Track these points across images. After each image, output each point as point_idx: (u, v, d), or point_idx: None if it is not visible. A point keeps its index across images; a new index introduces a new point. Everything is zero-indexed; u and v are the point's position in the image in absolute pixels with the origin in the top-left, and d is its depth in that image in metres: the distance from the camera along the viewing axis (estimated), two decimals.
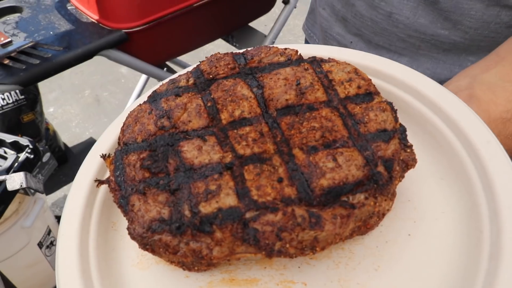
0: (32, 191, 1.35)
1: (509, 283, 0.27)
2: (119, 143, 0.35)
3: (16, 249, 1.35)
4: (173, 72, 1.52)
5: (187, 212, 0.29)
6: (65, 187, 1.93)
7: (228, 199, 0.29)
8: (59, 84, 2.49)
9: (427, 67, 0.70)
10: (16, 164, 1.23)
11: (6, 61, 1.08)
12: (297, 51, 0.39)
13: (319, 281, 0.32)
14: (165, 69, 1.47)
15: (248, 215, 0.28)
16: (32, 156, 1.26)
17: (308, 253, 0.29)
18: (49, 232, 1.48)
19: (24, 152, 1.26)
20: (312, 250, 0.29)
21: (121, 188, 0.31)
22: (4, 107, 1.69)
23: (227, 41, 1.65)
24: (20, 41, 1.15)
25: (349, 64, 0.36)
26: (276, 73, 0.36)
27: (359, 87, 0.34)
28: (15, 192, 1.25)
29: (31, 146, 1.26)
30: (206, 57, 0.39)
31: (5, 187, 1.17)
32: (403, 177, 0.32)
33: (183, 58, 1.69)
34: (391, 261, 0.32)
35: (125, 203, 0.31)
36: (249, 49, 0.39)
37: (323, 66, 0.37)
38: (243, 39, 1.61)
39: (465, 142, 0.35)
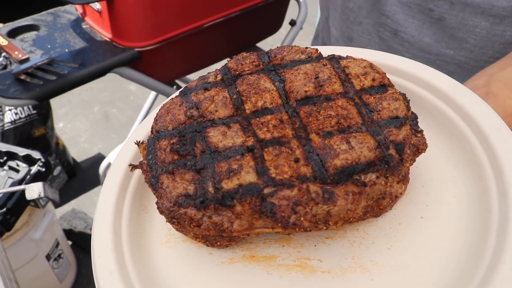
0: (43, 203, 1.38)
1: None
2: (152, 132, 0.38)
3: (25, 260, 1.37)
4: None
5: (210, 189, 0.32)
6: (73, 201, 1.95)
7: (248, 177, 0.32)
8: (69, 100, 2.54)
9: None
10: (28, 176, 1.27)
11: (23, 77, 1.12)
12: (317, 50, 0.42)
13: (334, 258, 0.34)
14: (174, 87, 1.51)
15: (266, 190, 0.31)
16: (43, 169, 1.29)
17: (322, 227, 0.31)
18: (57, 244, 1.50)
19: (36, 165, 1.29)
20: (325, 224, 0.31)
21: (152, 169, 0.35)
22: (16, 122, 1.73)
23: None
24: (36, 57, 1.19)
25: (365, 60, 0.39)
26: (296, 68, 0.39)
27: (373, 79, 0.37)
28: (26, 203, 1.28)
29: (43, 160, 1.30)
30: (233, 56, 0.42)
31: (18, 198, 1.21)
32: (414, 160, 0.35)
33: (192, 76, 1.74)
34: (403, 241, 0.34)
35: (155, 182, 0.34)
36: (272, 49, 0.43)
37: (340, 62, 0.40)
38: None
39: (476, 130, 0.37)
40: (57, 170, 1.43)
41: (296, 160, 0.32)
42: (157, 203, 0.34)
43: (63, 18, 1.44)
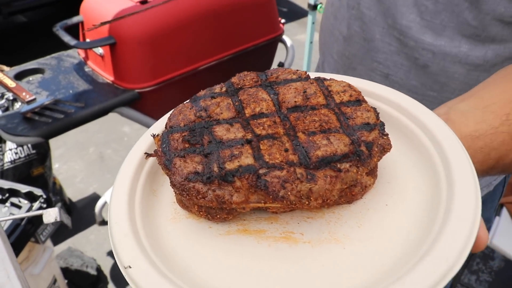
0: (43, 239, 1.42)
1: (458, 218, 0.37)
2: (165, 127, 0.46)
3: None
4: None
5: (215, 168, 0.40)
6: (69, 240, 1.98)
7: (247, 160, 0.40)
8: (64, 142, 2.60)
9: None
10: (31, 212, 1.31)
11: (29, 115, 1.19)
12: (305, 72, 0.51)
13: (313, 232, 0.42)
14: None
15: (261, 171, 0.39)
16: (45, 205, 1.34)
17: (305, 202, 0.38)
18: (54, 281, 1.52)
19: (38, 202, 1.34)
20: (307, 199, 0.38)
21: (166, 155, 0.42)
22: (16, 161, 1.78)
23: None
24: (43, 98, 1.27)
25: (345, 81, 0.48)
26: (289, 85, 0.48)
27: (350, 95, 0.46)
28: (27, 238, 1.32)
29: (44, 196, 1.35)
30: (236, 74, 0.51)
31: (20, 233, 1.25)
32: (381, 157, 0.42)
33: None
34: (371, 221, 0.42)
35: (169, 163, 0.41)
36: (269, 70, 0.52)
37: (324, 82, 0.49)
38: None
39: (432, 138, 0.46)
40: (57, 206, 1.47)
41: (286, 150, 0.40)
42: (170, 179, 0.41)
43: (66, 61, 1.53)
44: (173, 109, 0.49)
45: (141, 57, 1.36)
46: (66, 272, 1.76)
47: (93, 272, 1.78)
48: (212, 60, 1.47)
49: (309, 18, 2.11)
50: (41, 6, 3.53)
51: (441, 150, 0.43)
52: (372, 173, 0.43)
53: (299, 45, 2.83)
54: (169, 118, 0.46)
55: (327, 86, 0.46)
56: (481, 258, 1.98)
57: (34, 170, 1.83)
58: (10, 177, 1.77)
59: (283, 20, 1.76)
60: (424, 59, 0.74)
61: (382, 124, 0.44)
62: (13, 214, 1.33)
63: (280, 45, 1.79)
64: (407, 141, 0.49)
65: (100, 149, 2.58)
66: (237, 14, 1.52)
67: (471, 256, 1.95)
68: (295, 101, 0.45)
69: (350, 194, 0.41)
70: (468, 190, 0.40)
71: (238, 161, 0.40)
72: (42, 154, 1.86)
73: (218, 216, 0.42)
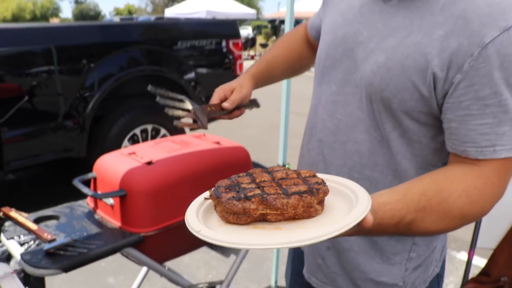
0: None
1: (357, 209, 0.67)
2: (214, 187, 0.76)
3: None
4: (172, 272, 1.82)
5: (242, 195, 0.68)
6: None
7: (257, 191, 0.69)
8: None
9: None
10: None
11: (51, 250, 1.40)
12: (289, 168, 0.82)
13: (291, 226, 0.69)
14: (166, 267, 1.78)
15: (264, 195, 0.68)
16: None
17: (285, 209, 0.68)
18: None
19: None
20: (286, 208, 0.68)
21: (217, 194, 0.70)
22: None
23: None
24: (61, 239, 1.48)
25: (311, 170, 0.80)
26: (278, 171, 0.78)
27: (310, 174, 0.75)
28: None
29: None
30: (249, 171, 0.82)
31: None
32: (324, 195, 0.71)
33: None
34: (314, 220, 0.70)
35: (218, 194, 0.69)
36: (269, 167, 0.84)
37: (299, 171, 0.78)
38: None
39: (353, 193, 0.74)
40: None
41: (276, 189, 0.71)
42: (219, 202, 0.70)
43: (78, 210, 1.77)
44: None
45: (146, 206, 1.63)
46: None
47: None
48: None
49: None
50: (37, 166, 3.84)
51: (356, 196, 0.73)
52: (321, 204, 0.72)
53: None
54: (216, 185, 0.76)
55: (299, 172, 0.76)
56: None
57: None
58: None
59: None
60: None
61: (325, 183, 0.73)
62: None
63: None
64: (340, 195, 0.77)
65: None
66: (223, 172, 1.85)
67: None
68: (281, 176, 0.76)
69: (308, 212, 0.70)
70: (364, 203, 0.69)
71: (253, 192, 0.70)
72: None
73: (243, 219, 0.69)
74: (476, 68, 0.78)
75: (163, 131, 4.06)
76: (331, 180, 0.79)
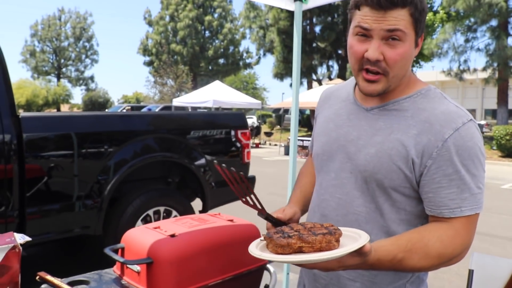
0: None
1: (362, 240, 1.03)
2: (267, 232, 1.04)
3: None
4: None
5: (286, 235, 0.94)
6: None
7: (296, 233, 0.97)
8: None
9: None
10: None
11: None
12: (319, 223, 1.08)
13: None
14: None
15: (301, 234, 0.95)
16: None
17: (313, 243, 0.94)
18: None
19: None
20: (314, 242, 0.95)
21: (269, 235, 0.96)
22: None
23: None
24: None
25: (330, 223, 1.06)
26: (311, 225, 1.05)
27: (330, 225, 1.02)
28: None
29: None
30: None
31: None
32: (339, 236, 0.98)
33: None
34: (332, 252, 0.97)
35: (270, 235, 0.95)
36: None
37: (322, 223, 1.06)
38: None
39: (359, 236, 1.03)
40: None
41: (308, 232, 0.98)
42: (271, 240, 0.97)
43: (106, 276, 2.01)
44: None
45: (171, 273, 1.87)
46: None
47: None
48: (218, 279, 1.98)
49: None
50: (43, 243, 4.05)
51: (360, 237, 1.01)
52: (337, 241, 0.98)
53: (280, 269, 3.31)
54: (268, 232, 1.04)
55: (322, 224, 1.05)
56: None
57: None
58: None
59: None
60: None
61: (339, 229, 1.01)
62: None
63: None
64: (352, 238, 1.04)
65: None
66: (236, 245, 2.10)
67: None
68: (310, 226, 1.04)
69: (329, 246, 0.96)
70: (363, 240, 0.97)
71: (293, 233, 0.97)
72: None
73: (286, 250, 0.96)
74: (441, 155, 1.14)
75: (174, 212, 4.33)
76: (346, 230, 1.09)
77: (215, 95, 19.07)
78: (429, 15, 22.34)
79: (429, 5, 23.88)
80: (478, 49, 21.44)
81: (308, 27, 27.44)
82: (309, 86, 29.95)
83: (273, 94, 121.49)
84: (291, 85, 2.99)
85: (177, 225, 2.15)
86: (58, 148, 3.73)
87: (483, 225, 4.27)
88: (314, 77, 30.26)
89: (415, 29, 1.16)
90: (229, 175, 1.20)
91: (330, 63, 29.92)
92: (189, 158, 4.48)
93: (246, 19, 35.02)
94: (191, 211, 4.42)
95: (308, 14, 24.93)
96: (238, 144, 4.86)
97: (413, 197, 1.22)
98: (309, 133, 26.48)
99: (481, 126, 25.09)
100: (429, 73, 39.96)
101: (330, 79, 27.95)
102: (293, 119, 3.07)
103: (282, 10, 23.14)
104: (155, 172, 4.57)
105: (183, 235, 2.05)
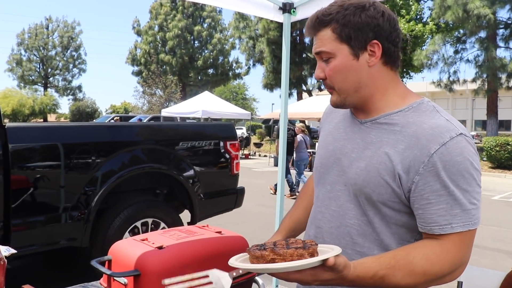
0: None
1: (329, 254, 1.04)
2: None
3: None
4: None
5: (262, 248, 0.98)
6: None
7: (270, 245, 1.01)
8: None
9: None
10: None
11: None
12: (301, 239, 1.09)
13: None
14: None
15: (274, 247, 0.98)
16: None
17: (285, 254, 0.99)
18: None
19: None
20: (285, 253, 0.98)
21: (250, 249, 0.99)
22: None
23: None
24: None
25: (312, 240, 1.08)
26: (292, 240, 1.07)
27: (311, 242, 1.04)
28: None
29: None
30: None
31: None
32: (314, 250, 1.00)
33: None
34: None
35: (250, 248, 1.00)
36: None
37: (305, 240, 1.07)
38: None
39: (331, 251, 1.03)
40: None
41: (283, 246, 1.01)
42: (249, 249, 1.02)
43: None
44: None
45: (157, 285, 1.85)
46: None
47: None
48: None
49: None
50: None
51: (333, 251, 1.02)
52: (312, 255, 1.00)
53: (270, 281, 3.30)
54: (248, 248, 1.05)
55: (304, 240, 1.06)
56: None
57: None
58: None
59: None
60: None
61: (316, 243, 1.02)
62: None
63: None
64: (328, 254, 1.03)
65: None
66: (224, 257, 2.09)
67: None
68: (291, 241, 1.06)
69: (299, 259, 0.97)
70: (330, 253, 0.99)
71: (269, 246, 0.99)
72: None
73: (260, 262, 0.98)
74: (428, 171, 1.13)
75: (162, 224, 4.29)
76: (326, 246, 1.10)
77: (204, 105, 19.07)
78: (419, 27, 22.58)
79: (418, 17, 24.22)
80: (468, 60, 21.76)
81: (298, 38, 27.70)
82: (299, 97, 30.13)
83: (263, 105, 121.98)
84: (281, 95, 3.01)
85: (165, 237, 2.14)
86: (44, 158, 3.69)
87: None
88: (304, 87, 30.47)
89: (345, 42, 1.21)
90: None
91: None
92: (177, 169, 4.45)
93: (236, 29, 35.16)
94: (180, 223, 4.38)
95: (298, 25, 25.09)
96: (227, 155, 4.85)
97: (404, 211, 1.21)
98: None
99: None
100: (419, 84, 40.40)
101: (320, 89, 28.16)
102: (282, 130, 3.08)
103: (272, 20, 23.28)
104: (143, 183, 4.54)
105: (171, 247, 2.03)
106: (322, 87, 29.14)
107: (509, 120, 42.74)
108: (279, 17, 3.10)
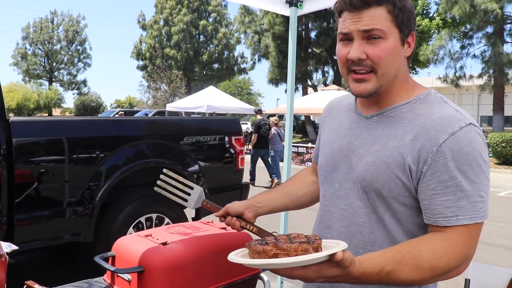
0: None
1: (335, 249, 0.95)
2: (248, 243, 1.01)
3: None
4: None
5: (263, 242, 0.93)
6: None
7: (272, 239, 0.96)
8: None
9: None
10: None
11: None
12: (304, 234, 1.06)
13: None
14: None
15: (277, 242, 0.95)
16: None
17: (288, 249, 0.94)
18: None
19: None
20: (289, 248, 0.93)
21: (251, 243, 0.94)
22: None
23: None
24: None
25: (316, 235, 1.04)
26: (295, 235, 1.02)
27: (315, 236, 0.99)
28: None
29: None
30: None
31: None
32: (318, 248, 0.96)
33: None
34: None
35: (250, 244, 0.95)
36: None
37: (308, 235, 1.03)
38: None
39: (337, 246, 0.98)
40: None
41: (286, 241, 0.96)
42: (250, 247, 0.97)
43: (96, 285, 1.96)
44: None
45: (161, 282, 1.82)
46: None
47: None
48: None
49: None
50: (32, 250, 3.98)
51: (339, 245, 0.97)
52: (316, 250, 0.96)
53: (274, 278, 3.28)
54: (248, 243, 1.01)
55: (308, 235, 1.02)
56: None
57: None
58: None
59: None
60: None
61: (320, 238, 0.98)
62: None
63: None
64: (331, 248, 1.00)
65: None
66: (227, 254, 2.06)
67: None
68: (294, 236, 1.01)
69: (304, 254, 0.93)
70: (337, 248, 0.95)
71: (271, 241, 0.95)
72: None
73: (262, 256, 0.94)
74: (436, 161, 1.10)
75: (167, 219, 4.28)
76: (330, 241, 1.05)
77: (209, 100, 19.03)
78: (425, 21, 22.40)
79: (425, 11, 24.03)
80: (474, 56, 21.50)
81: (303, 32, 27.53)
82: (304, 92, 30.00)
83: (268, 100, 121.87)
84: (286, 90, 2.99)
85: (169, 233, 2.11)
86: (48, 153, 3.67)
87: None
88: (309, 82, 30.36)
89: (397, 26, 1.15)
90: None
91: (326, 68, 30.05)
92: (182, 164, 4.43)
93: (241, 24, 34.98)
94: (184, 218, 4.36)
95: (303, 20, 24.94)
96: (232, 151, 4.82)
97: (414, 207, 1.18)
98: (304, 139, 26.51)
99: None
100: (425, 79, 40.14)
101: (326, 85, 28.03)
102: (288, 125, 3.05)
103: (277, 15, 23.22)
104: (148, 178, 4.52)
105: (175, 243, 2.01)
106: (328, 82, 29.07)
107: None
108: (285, 10, 3.05)
